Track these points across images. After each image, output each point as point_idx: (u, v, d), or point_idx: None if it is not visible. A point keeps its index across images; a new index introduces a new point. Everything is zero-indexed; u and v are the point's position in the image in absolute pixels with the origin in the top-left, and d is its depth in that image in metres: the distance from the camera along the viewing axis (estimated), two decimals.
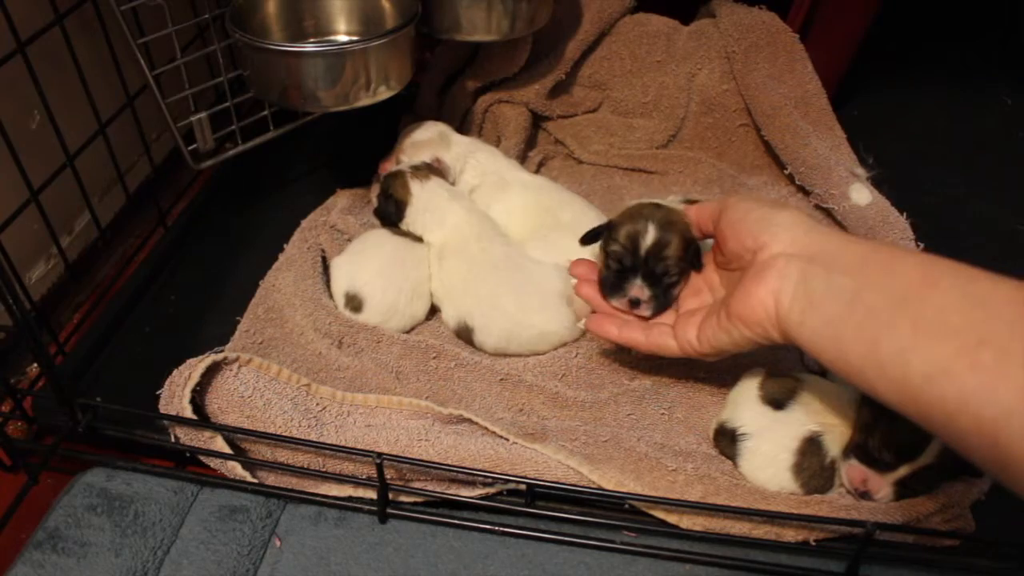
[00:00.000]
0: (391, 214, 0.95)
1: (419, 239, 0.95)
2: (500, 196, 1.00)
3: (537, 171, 1.18)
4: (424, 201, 0.94)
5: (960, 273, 0.51)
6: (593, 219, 0.97)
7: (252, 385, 0.75)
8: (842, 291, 0.56)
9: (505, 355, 0.89)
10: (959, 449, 0.49)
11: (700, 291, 0.79)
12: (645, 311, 0.78)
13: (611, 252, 0.79)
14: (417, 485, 0.74)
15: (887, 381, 0.52)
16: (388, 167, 1.03)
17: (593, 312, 0.81)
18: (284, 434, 0.73)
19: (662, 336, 0.75)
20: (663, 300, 0.78)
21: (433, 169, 0.98)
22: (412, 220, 0.95)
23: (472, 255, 0.90)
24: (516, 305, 0.86)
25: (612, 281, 0.79)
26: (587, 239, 0.83)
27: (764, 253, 0.64)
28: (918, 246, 0.98)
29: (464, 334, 0.89)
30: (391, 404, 0.78)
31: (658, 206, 0.79)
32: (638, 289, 0.77)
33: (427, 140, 1.02)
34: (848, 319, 0.55)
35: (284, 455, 0.74)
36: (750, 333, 0.65)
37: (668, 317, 0.78)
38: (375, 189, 1.00)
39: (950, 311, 0.49)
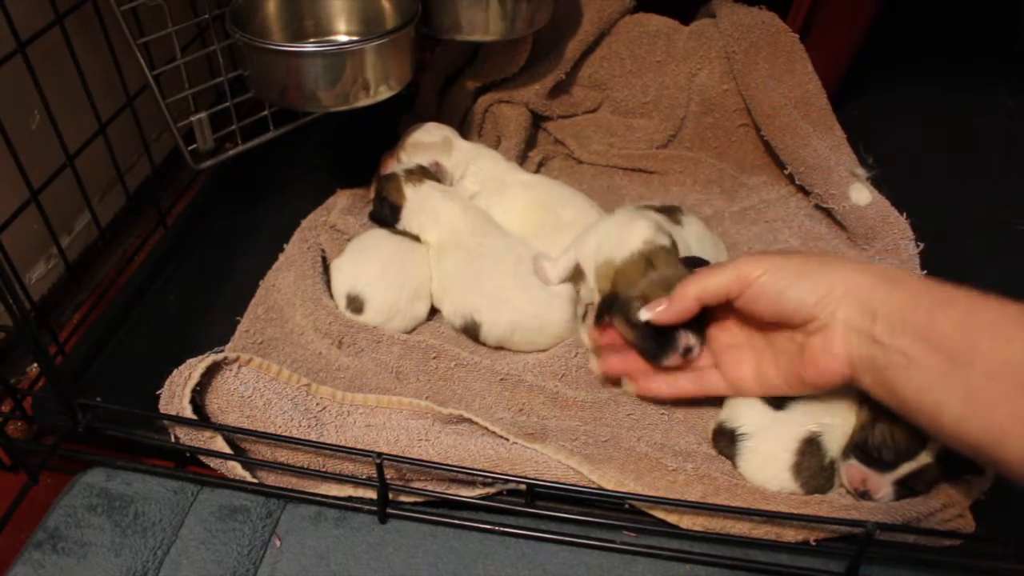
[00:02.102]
0: (386, 216, 0.96)
1: (418, 239, 0.95)
2: (500, 199, 1.00)
3: (537, 171, 1.18)
4: (418, 203, 0.94)
5: (999, 330, 0.54)
6: (594, 216, 0.97)
7: (252, 385, 0.75)
8: (897, 362, 0.59)
9: (506, 348, 0.89)
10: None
11: (723, 322, 0.78)
12: (695, 354, 0.77)
13: (637, 322, 0.75)
14: (417, 485, 0.74)
15: (953, 440, 0.57)
16: (390, 163, 1.03)
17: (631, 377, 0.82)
18: (284, 434, 0.73)
19: (711, 381, 0.77)
20: (703, 338, 0.77)
21: (427, 172, 0.98)
22: (408, 222, 0.95)
23: (470, 250, 0.90)
24: (521, 295, 0.87)
25: (653, 344, 0.76)
26: (599, 319, 0.81)
27: (817, 323, 0.65)
28: (918, 246, 0.98)
29: (470, 330, 0.89)
30: (391, 404, 0.78)
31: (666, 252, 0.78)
32: (687, 337, 0.75)
33: (429, 143, 1.02)
34: (907, 389, 0.58)
35: (284, 455, 0.74)
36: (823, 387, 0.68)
37: (705, 359, 0.78)
38: (375, 189, 1.00)
39: (998, 378, 0.53)
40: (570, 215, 0.97)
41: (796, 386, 0.70)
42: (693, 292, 0.71)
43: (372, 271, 0.91)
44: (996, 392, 0.53)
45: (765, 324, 0.72)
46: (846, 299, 0.63)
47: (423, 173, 0.97)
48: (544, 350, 0.89)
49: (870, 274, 0.63)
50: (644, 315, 0.74)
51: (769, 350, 0.73)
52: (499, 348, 0.89)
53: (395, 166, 1.00)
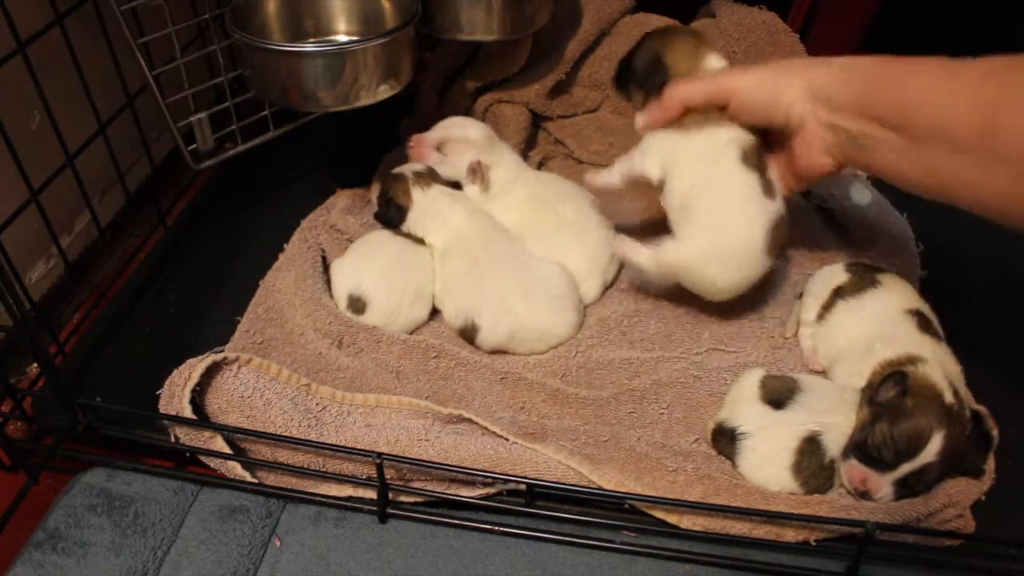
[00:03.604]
0: (392, 218, 0.95)
1: (420, 241, 0.95)
2: (502, 196, 1.00)
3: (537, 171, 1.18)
4: (425, 207, 0.94)
5: (927, 99, 0.66)
6: (595, 214, 0.97)
7: (252, 385, 0.75)
8: (867, 144, 0.71)
9: (503, 353, 0.89)
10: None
11: None
12: None
13: None
14: (417, 485, 0.74)
15: (923, 194, 0.69)
16: (423, 146, 1.01)
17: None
18: (284, 434, 0.73)
19: None
20: None
21: (436, 175, 0.97)
22: (414, 224, 0.95)
23: (476, 254, 0.90)
24: (523, 304, 0.86)
25: None
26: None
27: (797, 123, 0.76)
28: (918, 246, 0.98)
29: (468, 332, 0.89)
30: (391, 404, 0.78)
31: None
32: None
33: (474, 140, 1.00)
34: (878, 161, 0.71)
35: (284, 455, 0.74)
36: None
37: None
38: (375, 189, 1.00)
39: (932, 143, 0.65)
40: (571, 212, 0.97)
41: (790, 183, 0.83)
42: (679, 96, 0.82)
43: (375, 272, 0.91)
44: (934, 156, 0.65)
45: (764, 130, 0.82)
46: (812, 99, 0.74)
47: (431, 176, 0.97)
48: (543, 353, 0.89)
49: (825, 66, 0.74)
50: (639, 121, 0.86)
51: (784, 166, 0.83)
52: (496, 352, 0.89)
53: (404, 167, 0.99)
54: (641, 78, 0.87)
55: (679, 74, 0.84)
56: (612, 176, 0.92)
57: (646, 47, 0.88)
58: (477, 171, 0.97)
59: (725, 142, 0.82)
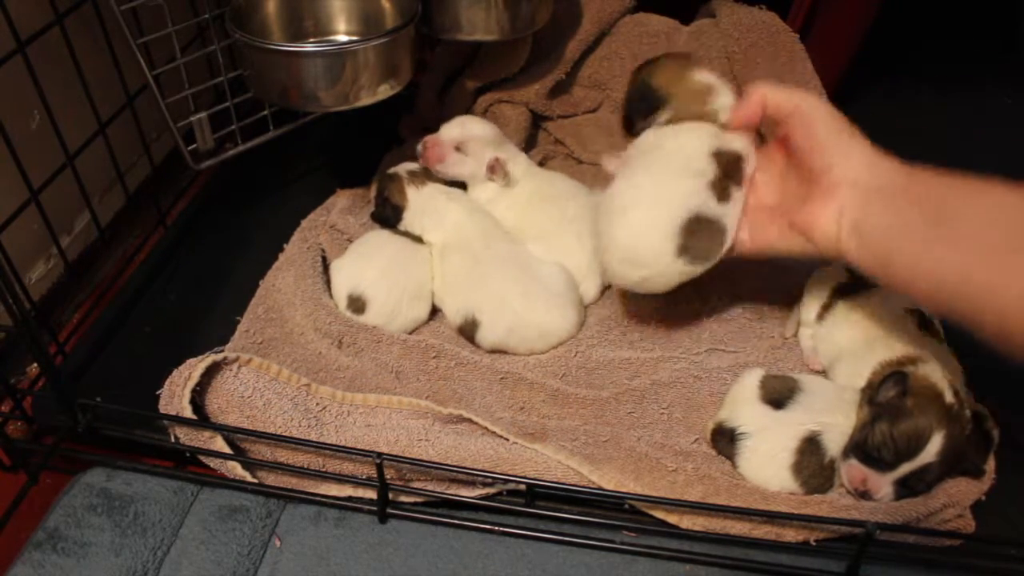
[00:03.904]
0: (388, 217, 0.95)
1: (419, 239, 0.95)
2: (505, 193, 1.00)
3: None
4: (420, 205, 0.94)
5: (978, 189, 0.64)
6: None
7: (252, 385, 0.75)
8: (891, 222, 0.66)
9: (503, 352, 0.89)
10: (984, 335, 0.60)
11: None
12: None
13: None
14: (417, 485, 0.74)
15: (925, 289, 0.63)
16: (441, 147, 0.98)
17: None
18: (284, 434, 0.73)
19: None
20: None
21: (430, 174, 0.97)
22: (410, 223, 0.95)
23: (476, 252, 0.90)
24: (522, 302, 0.86)
25: None
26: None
27: (830, 176, 0.70)
28: None
29: (468, 329, 0.89)
30: (391, 404, 0.78)
31: None
32: None
33: (492, 139, 0.99)
34: (896, 244, 0.65)
35: (284, 455, 0.74)
36: (805, 245, 0.74)
37: None
38: (375, 189, 1.00)
39: (973, 227, 0.61)
40: (573, 210, 0.97)
41: (785, 234, 0.76)
42: (761, 96, 0.77)
43: (374, 272, 0.91)
44: (971, 240, 0.61)
45: (788, 164, 0.78)
46: (860, 160, 0.70)
47: (426, 175, 0.97)
48: (543, 352, 0.89)
49: (880, 174, 0.69)
50: (723, 113, 0.81)
51: (781, 216, 0.77)
52: (495, 351, 0.89)
53: (399, 166, 0.99)
54: (638, 109, 0.88)
55: (669, 94, 0.84)
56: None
57: (634, 81, 0.90)
58: (497, 168, 0.97)
59: (686, 142, 0.81)
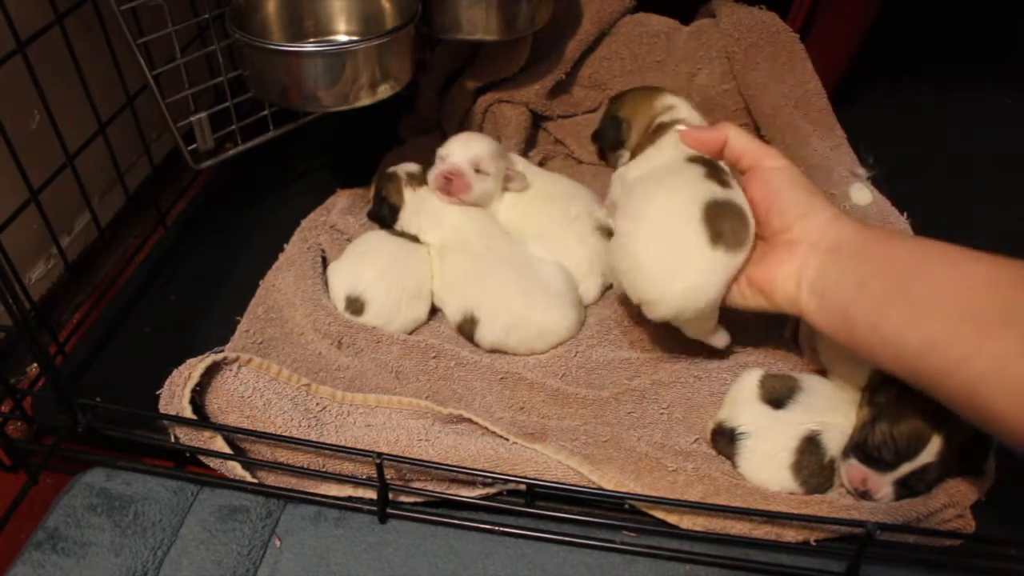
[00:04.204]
0: (385, 217, 0.96)
1: (416, 239, 0.95)
2: (508, 193, 1.00)
3: None
4: (415, 205, 0.94)
5: (947, 257, 0.61)
6: (598, 211, 0.97)
7: (252, 385, 0.75)
8: (851, 281, 0.64)
9: (502, 351, 0.89)
10: (949, 405, 0.59)
11: None
12: None
13: None
14: (417, 485, 0.74)
15: (889, 354, 0.61)
16: (462, 176, 0.94)
17: None
18: (284, 434, 0.73)
19: None
20: None
21: (425, 176, 0.97)
22: (406, 223, 0.95)
23: (476, 252, 0.90)
24: (522, 301, 0.87)
25: None
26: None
27: (789, 235, 0.70)
28: None
29: (467, 327, 0.89)
30: (391, 404, 0.78)
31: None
32: None
33: (496, 150, 0.98)
34: (856, 305, 0.63)
35: (284, 455, 0.74)
36: (764, 303, 0.72)
37: None
38: (374, 187, 1.00)
39: (938, 294, 0.59)
40: (576, 210, 0.97)
41: (743, 290, 0.74)
42: (726, 132, 0.76)
43: (372, 273, 0.91)
44: (936, 307, 0.58)
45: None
46: (820, 221, 0.68)
47: (425, 176, 0.97)
48: (543, 352, 0.89)
49: (840, 235, 0.67)
50: (680, 127, 0.83)
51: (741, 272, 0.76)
52: (494, 351, 0.89)
53: (398, 166, 0.99)
54: (607, 138, 0.98)
55: (634, 124, 0.93)
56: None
57: (606, 112, 0.95)
58: (514, 177, 0.98)
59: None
